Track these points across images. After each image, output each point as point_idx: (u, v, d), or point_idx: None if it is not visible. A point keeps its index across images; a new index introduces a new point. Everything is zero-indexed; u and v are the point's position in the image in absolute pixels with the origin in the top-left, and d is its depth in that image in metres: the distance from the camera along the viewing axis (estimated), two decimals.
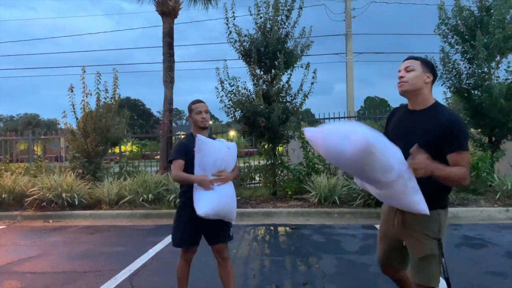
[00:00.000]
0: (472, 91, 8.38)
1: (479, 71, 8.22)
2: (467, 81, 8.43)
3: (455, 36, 8.63)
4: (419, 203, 2.01)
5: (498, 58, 8.33)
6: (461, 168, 2.02)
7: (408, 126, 2.21)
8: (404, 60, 2.27)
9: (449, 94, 8.88)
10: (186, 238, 2.94)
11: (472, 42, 8.25)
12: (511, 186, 7.21)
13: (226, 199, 2.85)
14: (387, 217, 2.40)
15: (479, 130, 8.66)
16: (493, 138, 8.51)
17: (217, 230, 2.94)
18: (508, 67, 8.19)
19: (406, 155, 2.03)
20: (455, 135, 2.05)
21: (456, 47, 8.62)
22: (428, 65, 2.21)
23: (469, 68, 8.48)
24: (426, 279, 2.14)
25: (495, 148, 8.40)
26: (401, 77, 2.19)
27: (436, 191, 2.11)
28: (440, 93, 9.13)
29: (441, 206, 2.18)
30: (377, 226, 6.08)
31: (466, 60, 8.50)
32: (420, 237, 2.15)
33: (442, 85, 8.60)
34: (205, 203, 2.77)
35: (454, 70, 8.49)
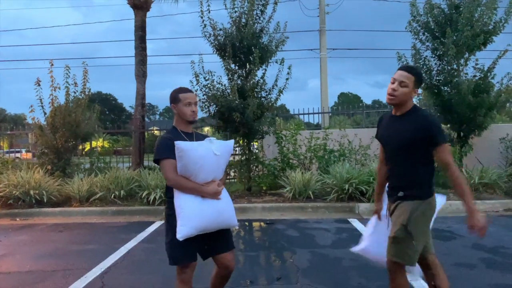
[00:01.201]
0: (442, 88, 8.60)
1: (449, 67, 8.45)
2: (437, 78, 8.65)
3: (426, 33, 8.83)
4: None
5: (466, 55, 8.56)
6: (454, 174, 2.34)
7: (392, 130, 2.54)
8: (400, 69, 2.45)
9: (420, 90, 9.08)
10: (187, 253, 2.49)
11: (442, 39, 8.45)
12: (478, 180, 7.45)
13: (216, 212, 2.46)
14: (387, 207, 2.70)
15: (448, 125, 8.90)
16: (462, 134, 8.77)
17: (221, 237, 2.59)
18: (476, 64, 8.45)
19: (392, 153, 2.54)
20: (434, 133, 2.35)
21: (427, 44, 8.82)
22: (420, 81, 2.47)
23: (439, 65, 8.69)
24: (390, 255, 2.45)
25: (463, 143, 8.66)
26: (394, 90, 2.41)
27: (413, 185, 2.44)
28: None
29: (419, 197, 2.43)
30: (350, 220, 6.18)
31: (436, 57, 8.71)
32: (395, 220, 2.46)
33: None
34: (188, 222, 2.38)
35: (425, 67, 8.68)
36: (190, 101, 2.56)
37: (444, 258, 4.20)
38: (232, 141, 2.73)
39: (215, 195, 2.46)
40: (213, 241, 2.57)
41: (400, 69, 2.46)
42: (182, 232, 2.35)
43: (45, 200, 7.23)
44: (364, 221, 6.10)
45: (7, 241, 5.48)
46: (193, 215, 2.37)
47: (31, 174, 7.64)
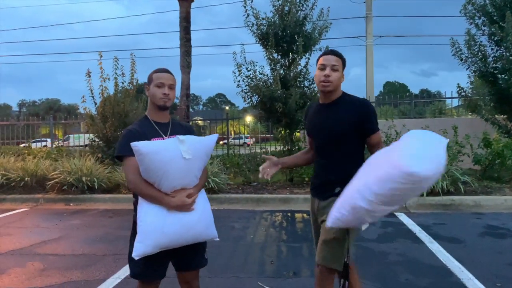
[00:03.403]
0: (499, 76, 8.09)
1: (508, 54, 7.90)
2: (494, 65, 8.13)
3: (482, 17, 8.31)
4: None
5: None
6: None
7: (322, 119, 2.33)
8: (326, 54, 2.28)
9: (473, 78, 8.61)
10: (150, 269, 2.10)
11: (500, 23, 7.92)
12: None
13: (184, 228, 2.01)
14: (311, 207, 2.49)
15: (505, 116, 8.37)
16: None
17: (190, 252, 2.18)
18: None
19: (323, 145, 2.32)
20: (372, 119, 2.23)
21: (483, 28, 8.30)
22: (345, 63, 2.31)
23: (497, 51, 8.17)
24: (325, 260, 2.19)
25: None
26: (328, 75, 2.21)
27: (350, 178, 2.07)
28: (464, 77, 8.94)
29: None
30: (396, 214, 5.99)
31: (493, 43, 8.19)
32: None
33: (467, 69, 8.34)
34: (145, 239, 1.96)
35: (479, 54, 8.19)
36: (163, 82, 2.13)
37: (498, 257, 3.98)
38: (215, 136, 2.21)
39: (182, 208, 2.00)
40: (180, 256, 2.17)
41: (326, 54, 2.27)
42: (138, 250, 1.96)
43: (96, 186, 7.55)
44: (412, 216, 5.89)
45: (62, 224, 5.80)
46: (153, 231, 1.96)
47: (83, 161, 8.02)
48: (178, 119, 2.06)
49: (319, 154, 2.38)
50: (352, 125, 2.21)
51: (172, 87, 2.17)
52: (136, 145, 1.91)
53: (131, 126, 2.19)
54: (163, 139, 2.11)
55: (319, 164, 2.39)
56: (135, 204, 2.08)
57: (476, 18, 8.39)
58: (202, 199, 2.13)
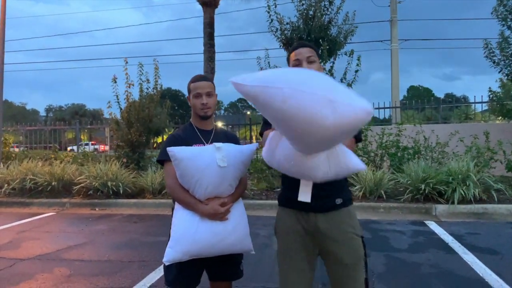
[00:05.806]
0: None
1: None
2: None
3: None
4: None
5: None
6: None
7: None
8: (298, 47, 1.89)
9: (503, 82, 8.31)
10: (183, 276, 2.10)
11: None
12: None
13: (216, 237, 1.98)
14: (292, 236, 1.90)
15: None
16: None
17: (225, 263, 2.17)
18: None
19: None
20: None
21: None
22: (319, 55, 2.00)
23: None
24: None
25: None
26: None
27: (346, 187, 1.95)
28: (489, 81, 8.69)
29: (350, 201, 1.96)
30: (427, 223, 5.78)
31: None
32: (347, 239, 1.83)
33: (499, 72, 8.04)
34: (177, 245, 1.98)
35: None
36: (199, 92, 2.11)
37: None
38: (254, 145, 2.18)
39: (214, 217, 1.98)
40: (214, 265, 2.16)
41: (298, 47, 1.89)
42: (168, 255, 1.98)
43: (121, 191, 7.60)
44: (443, 224, 5.68)
45: (88, 230, 5.84)
46: (185, 238, 1.96)
47: (109, 166, 8.09)
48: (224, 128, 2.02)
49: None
50: None
51: (210, 94, 2.14)
52: (172, 150, 1.95)
53: (175, 131, 2.25)
54: (204, 146, 2.12)
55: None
56: (173, 209, 2.11)
57: (509, 20, 8.10)
58: (238, 209, 2.10)
